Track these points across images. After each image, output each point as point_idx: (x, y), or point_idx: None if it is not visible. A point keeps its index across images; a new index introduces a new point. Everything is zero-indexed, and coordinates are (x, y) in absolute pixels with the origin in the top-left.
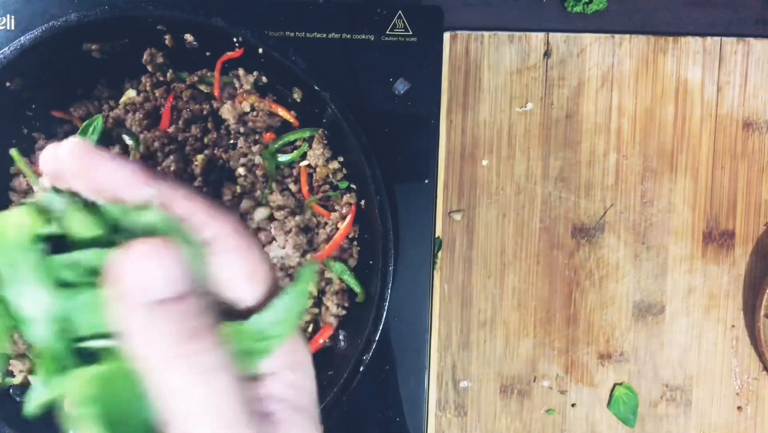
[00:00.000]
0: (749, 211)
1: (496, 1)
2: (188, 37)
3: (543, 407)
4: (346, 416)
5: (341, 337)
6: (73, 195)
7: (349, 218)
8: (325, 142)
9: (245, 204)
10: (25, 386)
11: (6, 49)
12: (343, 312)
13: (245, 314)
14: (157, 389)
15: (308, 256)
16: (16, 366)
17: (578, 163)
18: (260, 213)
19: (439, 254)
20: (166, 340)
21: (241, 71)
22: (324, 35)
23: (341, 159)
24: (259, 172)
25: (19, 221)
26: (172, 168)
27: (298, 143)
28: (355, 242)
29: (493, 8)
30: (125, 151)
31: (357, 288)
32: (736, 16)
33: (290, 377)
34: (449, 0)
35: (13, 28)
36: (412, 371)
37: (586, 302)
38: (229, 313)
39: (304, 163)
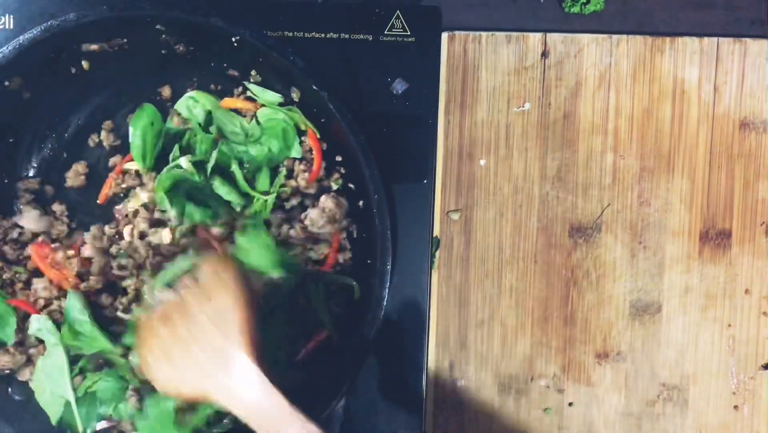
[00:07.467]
0: (746, 210)
1: (494, 2)
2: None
3: (540, 405)
4: (346, 415)
5: (340, 336)
6: None
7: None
8: None
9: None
10: (25, 384)
11: (5, 48)
12: (342, 312)
13: None
14: None
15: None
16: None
17: (575, 163)
18: None
19: (437, 254)
20: None
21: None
22: (322, 35)
23: (339, 158)
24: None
25: None
26: None
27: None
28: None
29: (491, 9)
30: None
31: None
32: (733, 17)
33: None
34: (447, 0)
35: (11, 27)
36: (411, 370)
37: (583, 301)
38: None
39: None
